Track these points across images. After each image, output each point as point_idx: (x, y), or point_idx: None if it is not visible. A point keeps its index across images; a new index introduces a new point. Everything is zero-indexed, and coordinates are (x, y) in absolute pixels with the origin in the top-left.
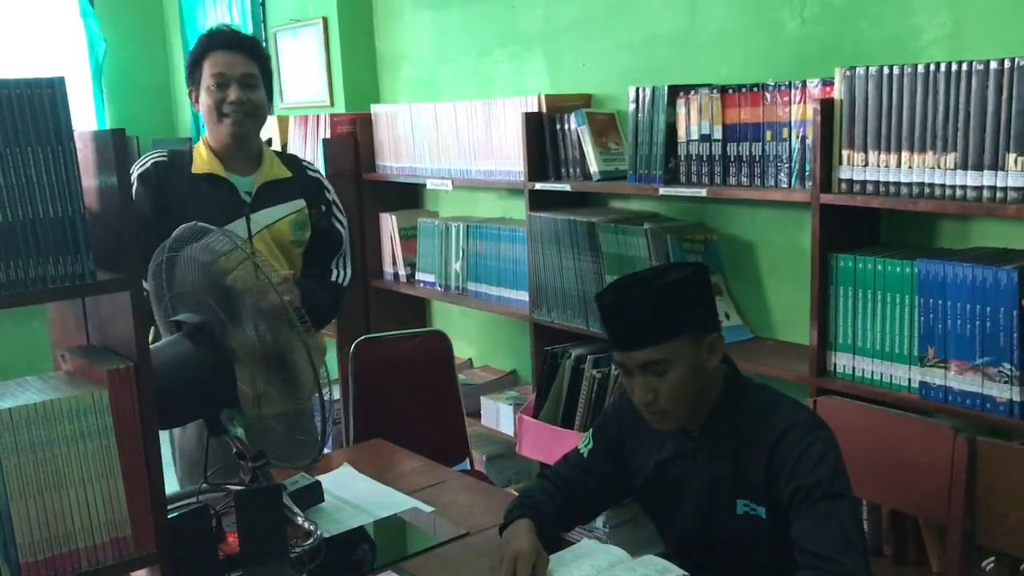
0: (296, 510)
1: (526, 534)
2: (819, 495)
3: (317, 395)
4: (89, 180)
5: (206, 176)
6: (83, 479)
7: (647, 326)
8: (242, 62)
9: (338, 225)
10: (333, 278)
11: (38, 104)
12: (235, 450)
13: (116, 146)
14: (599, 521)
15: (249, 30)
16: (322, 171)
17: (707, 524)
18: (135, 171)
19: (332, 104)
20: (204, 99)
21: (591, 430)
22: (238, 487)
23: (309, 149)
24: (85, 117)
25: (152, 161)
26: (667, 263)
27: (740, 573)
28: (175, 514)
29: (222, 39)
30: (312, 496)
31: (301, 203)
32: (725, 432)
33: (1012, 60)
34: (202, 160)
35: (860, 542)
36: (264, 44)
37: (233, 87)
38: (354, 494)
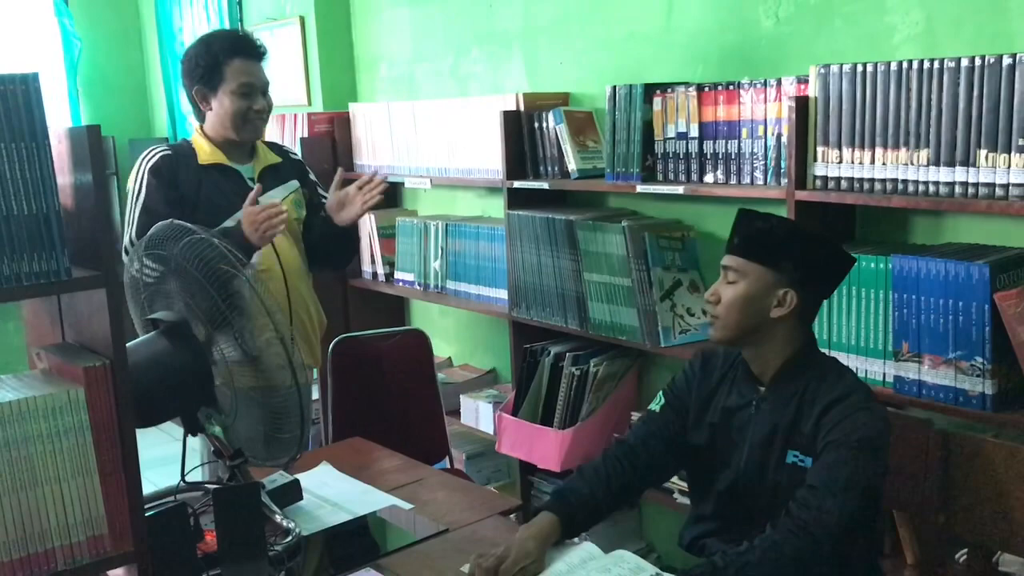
0: (274, 508)
1: (537, 535)
2: (847, 446)
3: (294, 388)
4: (64, 177)
5: (214, 166)
6: (59, 477)
7: (751, 240)
8: (262, 70)
9: (325, 201)
10: None
11: (12, 100)
12: (213, 448)
13: (91, 143)
14: None
15: (226, 28)
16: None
17: (758, 473)
18: (144, 165)
19: (310, 103)
20: (226, 104)
21: (662, 391)
22: (216, 485)
23: None
24: (60, 116)
25: (159, 154)
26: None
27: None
28: (152, 512)
29: (246, 46)
30: (291, 494)
31: (295, 183)
32: (791, 386)
33: (983, 58)
34: (205, 152)
35: (858, 497)
36: None
37: (258, 96)
38: (333, 492)
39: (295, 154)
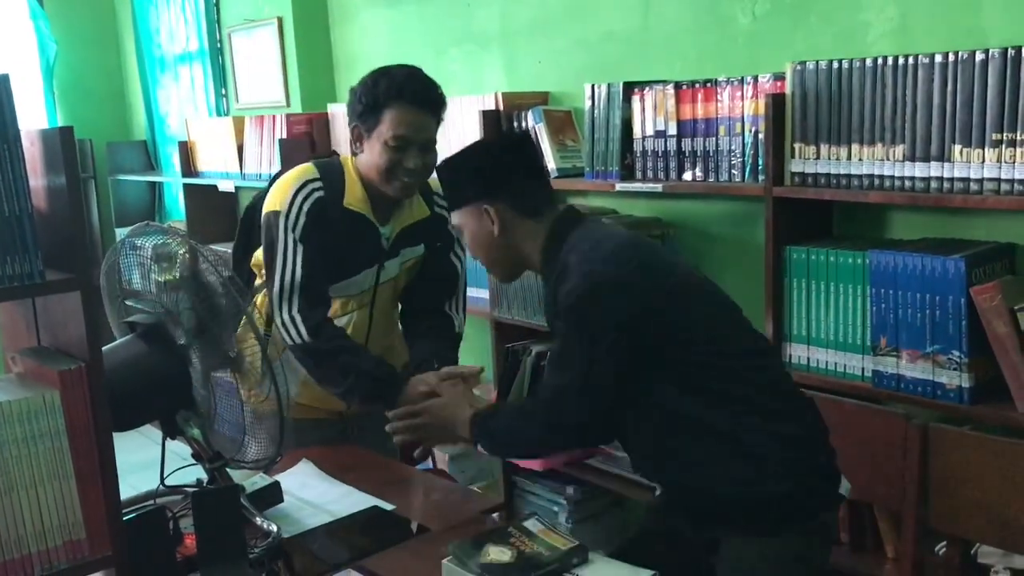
0: (254, 511)
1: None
2: (559, 319)
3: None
4: (37, 180)
5: (357, 216)
6: (35, 482)
7: (444, 195)
8: (428, 124)
9: (456, 261)
10: (453, 329)
11: None
12: (192, 451)
13: (64, 144)
14: (562, 517)
15: (203, 29)
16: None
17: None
18: (300, 202)
19: (288, 104)
20: (375, 152)
21: None
22: (195, 488)
23: (265, 149)
24: (36, 119)
25: (316, 194)
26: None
27: None
28: (131, 516)
29: (414, 92)
30: (271, 496)
31: (421, 248)
32: (548, 276)
33: (956, 53)
34: (355, 196)
35: (570, 366)
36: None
37: (413, 152)
38: (314, 494)
39: (442, 205)
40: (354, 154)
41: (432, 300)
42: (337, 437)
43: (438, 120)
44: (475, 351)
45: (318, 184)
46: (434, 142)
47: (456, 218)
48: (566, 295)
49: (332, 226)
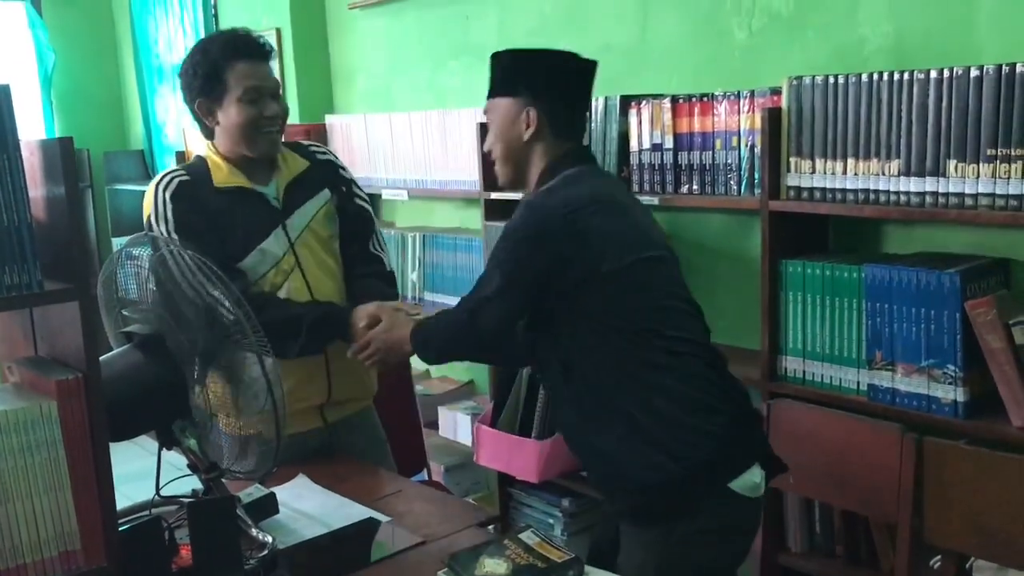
0: (249, 522)
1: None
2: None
3: (270, 403)
4: (36, 190)
5: (233, 190)
6: (30, 492)
7: (491, 79)
8: (269, 72)
9: (361, 203)
10: (383, 265)
11: None
12: (188, 462)
13: (64, 155)
14: (557, 529)
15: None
16: (327, 149)
17: None
18: (163, 193)
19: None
20: (232, 115)
21: None
22: (191, 499)
23: None
24: (34, 129)
25: (176, 179)
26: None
27: None
28: (126, 527)
29: (247, 47)
30: (267, 507)
31: (327, 193)
32: None
33: (951, 70)
34: (222, 173)
35: (496, 280)
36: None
37: (267, 101)
38: (310, 505)
39: (323, 152)
40: (209, 137)
41: (356, 244)
42: (324, 447)
43: (272, 67)
44: (471, 364)
45: (179, 171)
46: (280, 87)
47: (492, 104)
48: (511, 220)
49: (208, 210)
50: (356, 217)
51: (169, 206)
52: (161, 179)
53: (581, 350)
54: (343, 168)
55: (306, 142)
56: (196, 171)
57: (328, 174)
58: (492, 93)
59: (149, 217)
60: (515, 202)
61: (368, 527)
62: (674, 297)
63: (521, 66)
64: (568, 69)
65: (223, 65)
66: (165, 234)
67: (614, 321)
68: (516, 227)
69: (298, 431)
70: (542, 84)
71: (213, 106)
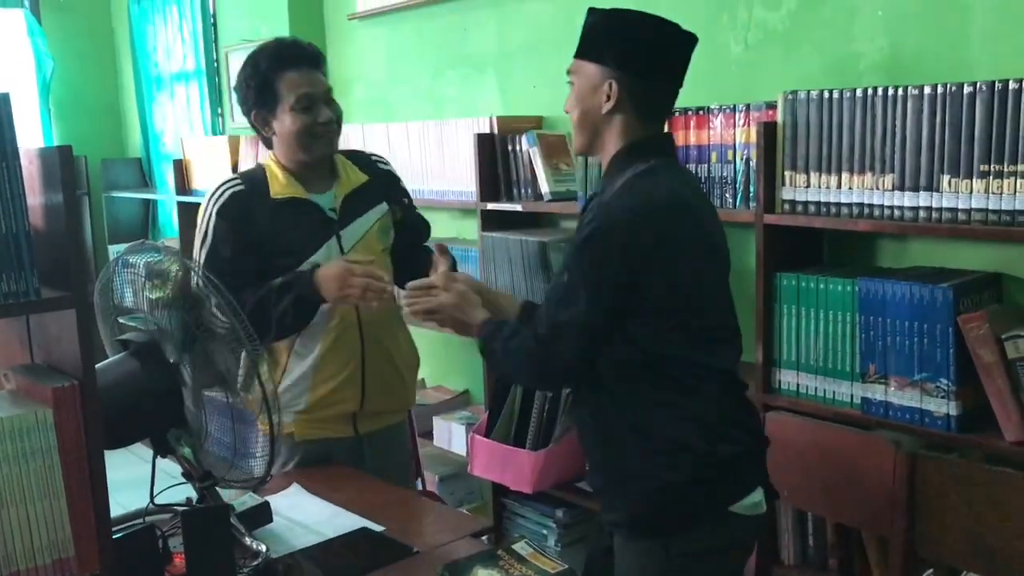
0: (243, 530)
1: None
2: (574, 246)
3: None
4: (34, 197)
5: (288, 201)
6: (25, 499)
7: (582, 38)
8: (319, 78)
9: (420, 212)
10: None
11: None
12: (182, 470)
13: (63, 163)
14: (551, 540)
15: (200, 48)
16: (388, 159)
17: None
18: (212, 205)
19: None
20: (287, 123)
21: None
22: (185, 507)
23: None
24: (32, 136)
25: (230, 192)
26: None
27: None
28: (120, 534)
29: (295, 56)
30: (261, 516)
31: (384, 207)
32: (603, 186)
33: (945, 85)
34: (280, 184)
35: (576, 303)
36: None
37: (320, 107)
38: (304, 514)
39: (384, 163)
40: (269, 146)
41: (414, 250)
42: (352, 455)
43: (323, 72)
44: (467, 372)
45: (235, 182)
46: (331, 91)
47: (577, 65)
48: (588, 224)
49: (258, 222)
50: (416, 226)
51: (212, 221)
52: (216, 189)
53: (609, 361)
54: (401, 180)
55: (368, 152)
56: (253, 181)
57: (387, 187)
58: (579, 53)
59: (198, 226)
60: (511, 213)
61: (362, 537)
62: (714, 321)
63: (612, 29)
64: (662, 44)
65: (273, 76)
66: (199, 247)
67: (652, 346)
68: (596, 231)
69: (328, 436)
70: (630, 56)
71: (268, 117)
